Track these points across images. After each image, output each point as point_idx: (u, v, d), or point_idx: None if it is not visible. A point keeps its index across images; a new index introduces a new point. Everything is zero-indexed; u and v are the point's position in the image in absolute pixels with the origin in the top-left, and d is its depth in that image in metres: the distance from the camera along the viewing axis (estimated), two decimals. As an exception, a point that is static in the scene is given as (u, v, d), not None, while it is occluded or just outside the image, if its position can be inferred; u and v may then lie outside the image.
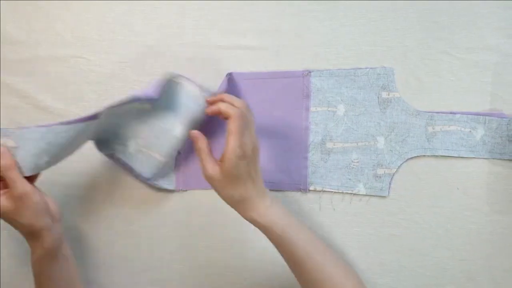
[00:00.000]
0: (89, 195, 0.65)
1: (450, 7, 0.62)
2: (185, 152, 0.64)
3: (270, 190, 0.63)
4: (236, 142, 0.50)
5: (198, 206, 0.64)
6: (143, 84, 0.64)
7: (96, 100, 0.65)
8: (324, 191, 0.63)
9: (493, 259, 0.61)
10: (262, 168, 0.62)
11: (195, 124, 0.60)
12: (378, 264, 0.63)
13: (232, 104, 0.52)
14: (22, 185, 0.50)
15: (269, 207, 0.53)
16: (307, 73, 0.63)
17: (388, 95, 0.62)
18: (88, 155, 0.63)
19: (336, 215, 0.63)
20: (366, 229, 0.63)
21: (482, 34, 0.61)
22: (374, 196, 0.62)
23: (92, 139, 0.59)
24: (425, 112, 0.61)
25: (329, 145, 0.63)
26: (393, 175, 0.62)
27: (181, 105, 0.60)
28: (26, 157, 0.51)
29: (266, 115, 0.63)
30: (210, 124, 0.62)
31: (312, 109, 0.63)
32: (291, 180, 0.63)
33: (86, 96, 0.65)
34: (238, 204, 0.53)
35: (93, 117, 0.53)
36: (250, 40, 0.64)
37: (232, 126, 0.50)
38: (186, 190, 0.64)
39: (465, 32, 0.61)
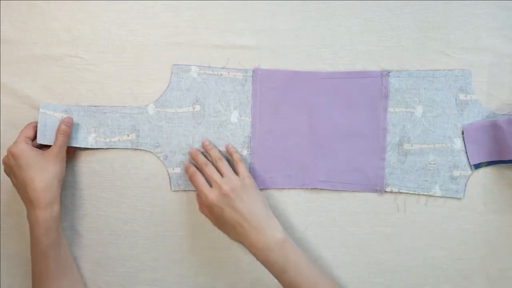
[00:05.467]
0: (86, 195, 0.64)
1: (445, 7, 0.62)
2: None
3: (345, 190, 0.63)
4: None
5: (195, 206, 0.63)
6: (139, 84, 0.64)
7: (92, 99, 0.64)
8: (401, 192, 0.63)
9: (488, 259, 0.63)
10: (338, 169, 0.62)
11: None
12: (374, 264, 0.64)
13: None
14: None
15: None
16: (385, 73, 0.62)
17: (466, 97, 0.62)
18: (87, 154, 0.64)
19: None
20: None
21: (477, 34, 0.62)
22: (449, 198, 0.62)
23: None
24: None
25: (406, 146, 0.62)
26: (469, 177, 0.62)
27: (224, 92, 0.63)
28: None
29: (343, 114, 0.62)
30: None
31: (390, 109, 0.62)
32: (367, 180, 0.63)
33: (81, 95, 0.64)
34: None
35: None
36: (247, 39, 0.63)
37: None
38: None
39: (461, 33, 0.62)
